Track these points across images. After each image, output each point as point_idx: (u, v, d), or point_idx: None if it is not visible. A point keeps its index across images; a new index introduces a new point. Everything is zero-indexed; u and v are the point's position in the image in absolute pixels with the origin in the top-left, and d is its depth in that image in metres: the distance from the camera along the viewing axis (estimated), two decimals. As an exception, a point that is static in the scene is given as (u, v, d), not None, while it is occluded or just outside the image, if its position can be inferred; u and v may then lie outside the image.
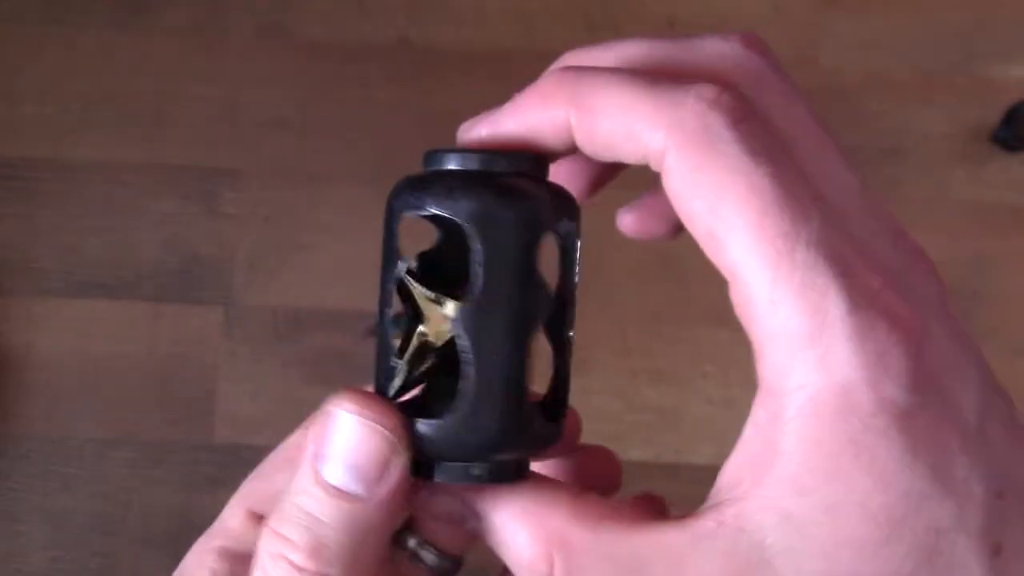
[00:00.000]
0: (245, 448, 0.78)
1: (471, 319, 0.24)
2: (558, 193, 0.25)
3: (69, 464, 0.78)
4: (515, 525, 0.24)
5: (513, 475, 0.25)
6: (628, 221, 0.29)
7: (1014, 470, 0.22)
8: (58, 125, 0.81)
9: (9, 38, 0.81)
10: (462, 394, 0.24)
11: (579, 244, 0.26)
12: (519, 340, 0.24)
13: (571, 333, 0.27)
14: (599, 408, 0.80)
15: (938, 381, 0.22)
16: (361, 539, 0.24)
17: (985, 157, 0.84)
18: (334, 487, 0.23)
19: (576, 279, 0.26)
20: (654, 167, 0.23)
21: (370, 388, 0.25)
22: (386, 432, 0.24)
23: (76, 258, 0.80)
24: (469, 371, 0.24)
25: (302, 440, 0.29)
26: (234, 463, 0.77)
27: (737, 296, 0.22)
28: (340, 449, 0.24)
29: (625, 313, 0.79)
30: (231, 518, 0.31)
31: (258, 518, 0.30)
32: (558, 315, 0.26)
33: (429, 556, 0.28)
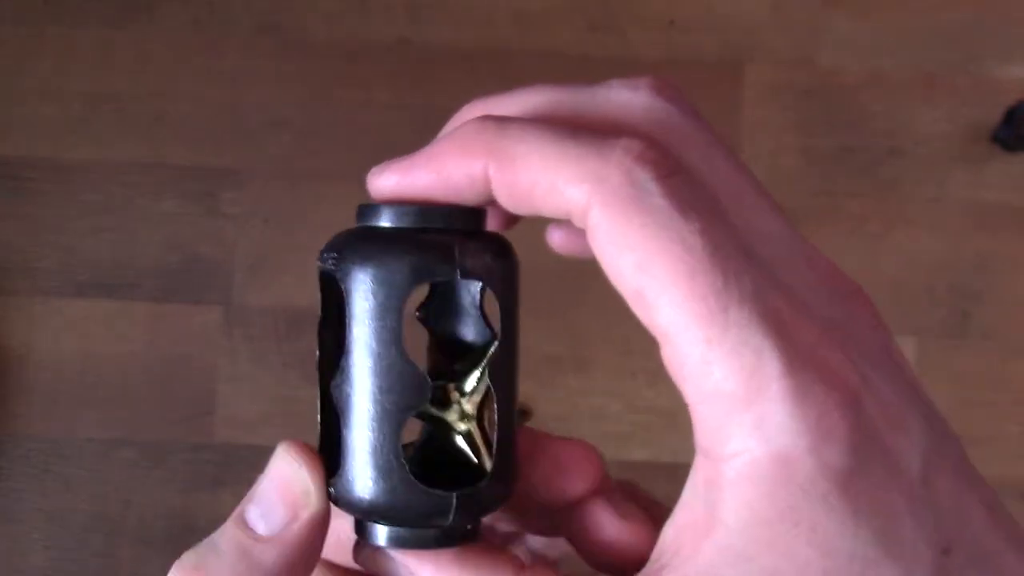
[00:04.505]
0: (245, 448, 0.78)
1: (337, 386, 0.24)
2: (485, 246, 0.24)
3: (69, 464, 0.78)
4: None
5: (448, 541, 0.24)
6: (557, 238, 0.28)
7: (961, 522, 0.22)
8: (58, 125, 0.81)
9: (9, 38, 0.81)
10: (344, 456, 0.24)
11: (506, 295, 0.25)
12: (375, 409, 0.23)
13: (500, 387, 0.25)
14: (599, 408, 0.80)
15: (879, 439, 0.21)
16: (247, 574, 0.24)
17: (985, 157, 0.84)
18: (244, 521, 0.24)
19: (509, 327, 0.24)
20: (577, 223, 0.22)
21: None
22: (301, 482, 0.24)
23: (76, 258, 0.80)
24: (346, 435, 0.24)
25: None
26: (234, 463, 0.77)
27: (669, 356, 0.22)
28: (260, 489, 0.24)
29: (625, 313, 0.79)
30: None
31: None
32: (496, 366, 0.25)
33: None
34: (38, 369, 0.79)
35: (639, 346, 0.79)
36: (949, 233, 0.84)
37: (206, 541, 0.24)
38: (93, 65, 0.81)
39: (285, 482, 0.24)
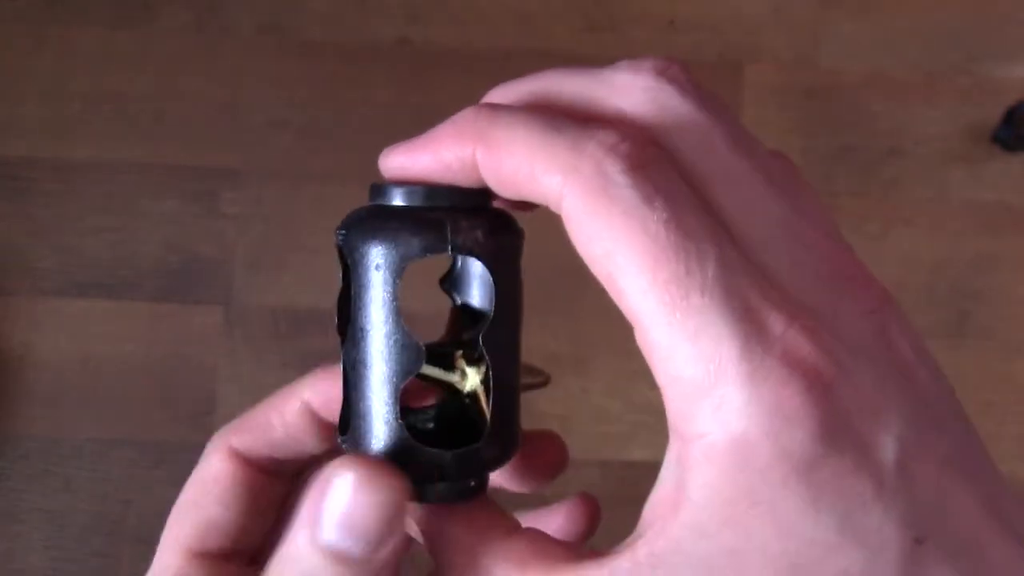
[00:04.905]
0: (245, 448, 0.78)
1: (346, 352, 0.26)
2: (478, 223, 0.25)
3: (69, 464, 0.78)
4: (453, 555, 0.25)
5: (449, 498, 0.25)
6: None
7: (943, 511, 0.21)
8: (58, 125, 0.81)
9: (9, 38, 0.81)
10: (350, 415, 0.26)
11: (498, 270, 0.26)
12: (373, 373, 0.25)
13: (496, 356, 0.26)
14: (600, 408, 0.80)
15: (850, 426, 0.21)
16: None
17: (985, 157, 0.85)
18: (334, 551, 0.23)
19: (504, 299, 0.26)
20: (554, 209, 0.23)
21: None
22: (394, 496, 0.23)
23: (76, 258, 0.80)
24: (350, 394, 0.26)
25: (217, 470, 0.29)
26: (234, 463, 0.78)
27: (640, 341, 0.22)
28: (343, 512, 0.23)
29: (625, 313, 0.79)
30: (171, 565, 0.28)
31: (198, 556, 0.28)
32: (490, 336, 0.26)
33: None
34: (38, 369, 0.79)
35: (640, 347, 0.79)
36: (949, 233, 0.84)
37: None
38: (93, 65, 0.81)
39: (371, 501, 0.23)
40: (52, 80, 0.81)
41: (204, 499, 0.29)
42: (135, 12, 0.82)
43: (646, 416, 0.80)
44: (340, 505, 0.23)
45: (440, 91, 0.81)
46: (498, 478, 0.30)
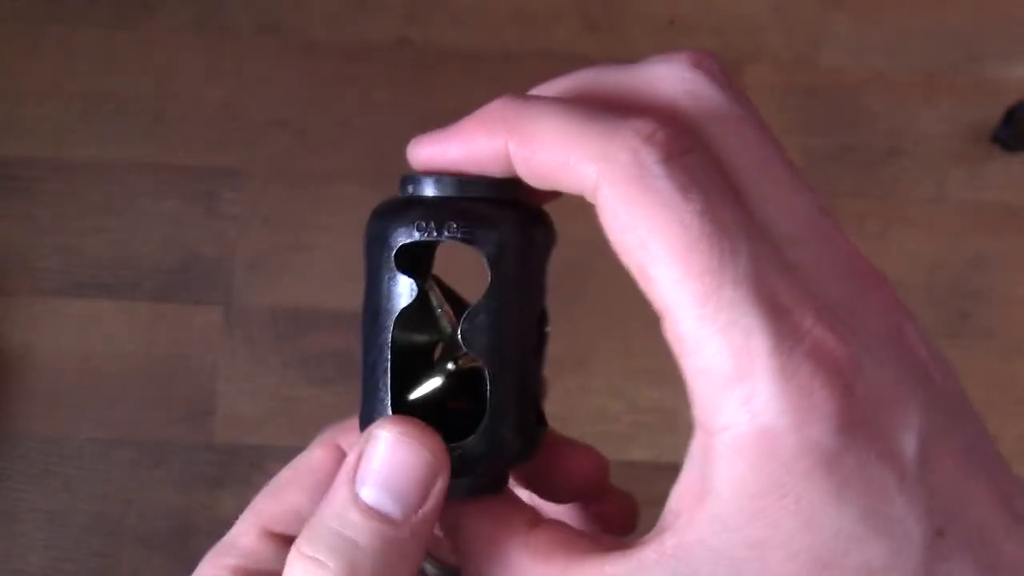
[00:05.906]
0: (245, 448, 0.78)
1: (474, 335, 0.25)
2: (524, 215, 0.25)
3: (69, 464, 0.78)
4: (476, 548, 0.25)
5: (470, 492, 0.25)
6: None
7: (960, 504, 0.22)
8: (58, 125, 0.81)
9: (9, 38, 0.81)
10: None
11: (533, 257, 0.26)
12: (377, 370, 0.25)
13: (493, 346, 0.26)
14: (600, 408, 0.80)
15: (872, 419, 0.21)
16: (395, 564, 0.23)
17: (985, 157, 0.85)
18: (372, 509, 0.23)
19: (513, 292, 0.25)
20: (589, 199, 0.23)
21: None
22: (430, 456, 0.24)
23: (76, 258, 0.80)
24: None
25: (317, 460, 0.29)
26: (234, 463, 0.77)
27: (668, 331, 0.22)
28: (382, 471, 0.24)
29: (626, 313, 0.79)
30: (244, 535, 0.29)
31: (273, 536, 0.29)
32: (472, 333, 0.26)
33: (430, 568, 0.29)
34: (38, 369, 0.79)
35: (640, 346, 0.79)
36: (949, 233, 0.84)
37: (331, 534, 0.23)
38: (93, 65, 0.81)
39: (410, 462, 0.24)
40: (52, 80, 0.81)
41: (293, 485, 0.29)
42: (135, 12, 0.82)
43: (646, 416, 0.80)
44: (379, 463, 0.24)
45: (440, 91, 0.81)
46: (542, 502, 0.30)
